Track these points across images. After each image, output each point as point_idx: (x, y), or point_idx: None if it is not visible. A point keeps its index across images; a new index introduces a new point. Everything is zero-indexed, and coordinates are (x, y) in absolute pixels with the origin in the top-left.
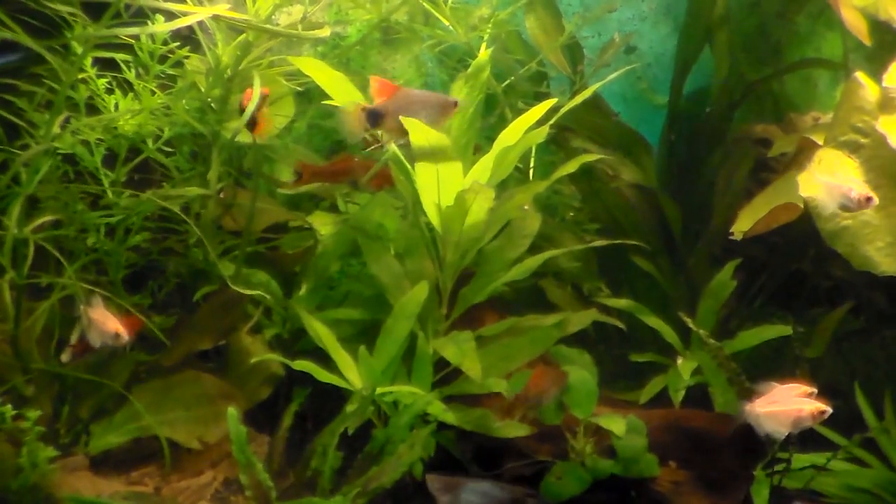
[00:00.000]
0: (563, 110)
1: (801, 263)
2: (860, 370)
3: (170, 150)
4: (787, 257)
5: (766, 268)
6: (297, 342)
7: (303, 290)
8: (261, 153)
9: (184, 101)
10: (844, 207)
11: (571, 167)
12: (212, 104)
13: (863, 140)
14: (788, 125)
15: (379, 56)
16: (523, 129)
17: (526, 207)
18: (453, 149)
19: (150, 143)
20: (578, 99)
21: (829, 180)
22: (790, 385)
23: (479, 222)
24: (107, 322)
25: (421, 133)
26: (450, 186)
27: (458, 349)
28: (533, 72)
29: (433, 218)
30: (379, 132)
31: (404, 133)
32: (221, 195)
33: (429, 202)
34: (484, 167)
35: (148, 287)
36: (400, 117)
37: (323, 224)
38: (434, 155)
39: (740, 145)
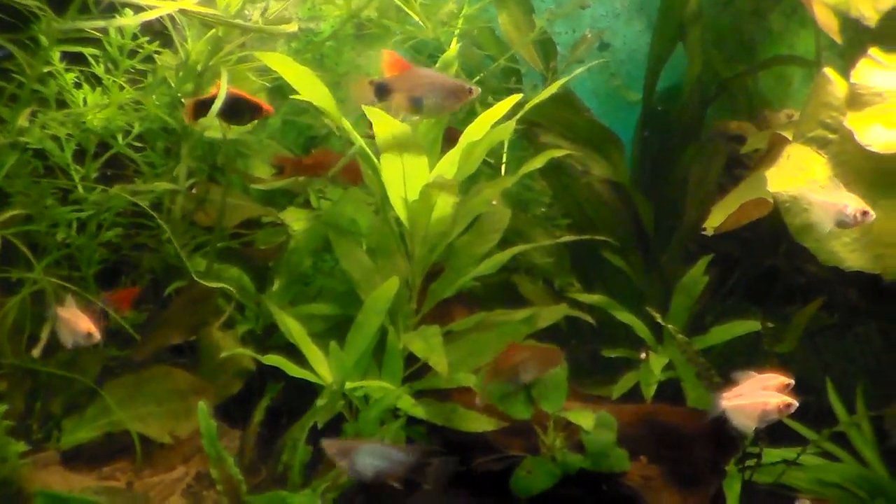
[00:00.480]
0: (529, 105)
1: (775, 260)
2: (835, 366)
3: (141, 145)
4: (760, 253)
5: (740, 264)
6: (270, 338)
7: (276, 286)
8: (234, 149)
9: (154, 96)
10: (842, 224)
11: (539, 162)
12: (182, 99)
13: (831, 136)
14: (762, 122)
15: (352, 52)
16: (489, 123)
17: (495, 202)
18: (419, 143)
19: (120, 138)
20: (545, 94)
21: (823, 199)
22: (767, 375)
23: (446, 217)
24: (78, 321)
25: (384, 125)
26: (416, 181)
27: (426, 343)
28: (504, 68)
29: (400, 212)
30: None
31: (412, 111)
32: (194, 191)
33: (395, 196)
34: (450, 162)
35: (121, 283)
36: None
37: (295, 220)
38: (399, 148)
39: (713, 142)
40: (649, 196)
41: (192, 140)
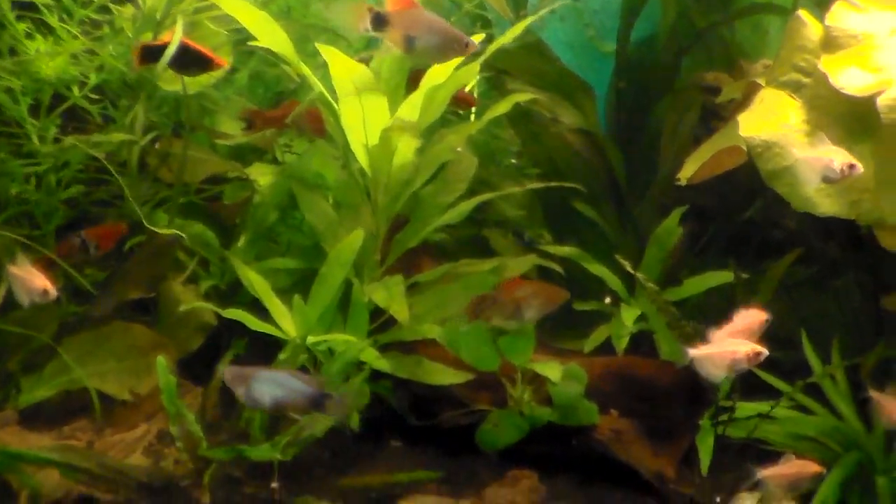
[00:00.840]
0: (493, 46)
1: (752, 213)
2: (813, 321)
3: (98, 97)
4: (738, 207)
5: (717, 218)
6: (236, 294)
7: (241, 242)
8: (199, 104)
9: (111, 46)
10: (828, 179)
11: (504, 107)
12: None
13: (805, 79)
14: (739, 72)
15: (320, 4)
16: (453, 65)
17: (460, 150)
18: (377, 84)
19: (76, 90)
20: (510, 35)
21: (807, 155)
22: (744, 313)
23: (407, 163)
24: (33, 279)
25: (342, 67)
26: (376, 125)
27: (388, 293)
28: (473, 15)
29: (361, 159)
30: None
31: (405, 49)
32: (157, 146)
33: (356, 143)
34: (412, 105)
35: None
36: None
37: (261, 174)
38: (358, 91)
39: (688, 92)
40: (625, 148)
41: (149, 89)
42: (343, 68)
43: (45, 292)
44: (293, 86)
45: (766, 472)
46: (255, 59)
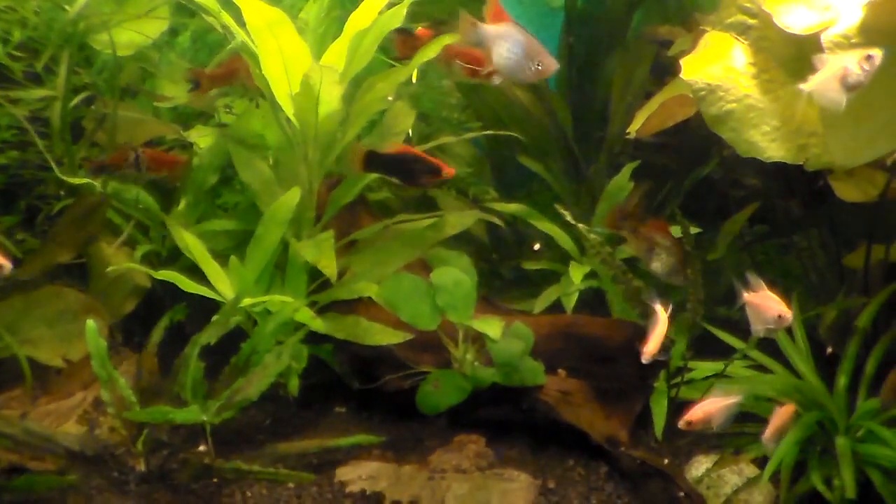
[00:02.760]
0: None
1: (711, 170)
2: (777, 282)
3: (21, 55)
4: (696, 164)
5: (675, 176)
6: (177, 260)
7: (181, 205)
8: (140, 68)
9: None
10: (854, 85)
11: (433, 50)
12: (65, 6)
13: (750, 21)
14: (693, 26)
15: None
16: (376, 10)
17: (391, 99)
18: (300, 35)
19: None
20: None
21: (825, 70)
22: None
23: (334, 112)
24: None
25: (256, 11)
26: (298, 72)
27: (317, 249)
28: None
29: (287, 109)
30: None
31: (490, 63)
32: (93, 107)
33: (280, 92)
34: (337, 53)
35: (17, 206)
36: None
37: (201, 136)
38: (274, 35)
39: (639, 46)
40: (576, 104)
41: (73, 45)
42: (258, 14)
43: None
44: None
45: (688, 417)
46: (195, 23)
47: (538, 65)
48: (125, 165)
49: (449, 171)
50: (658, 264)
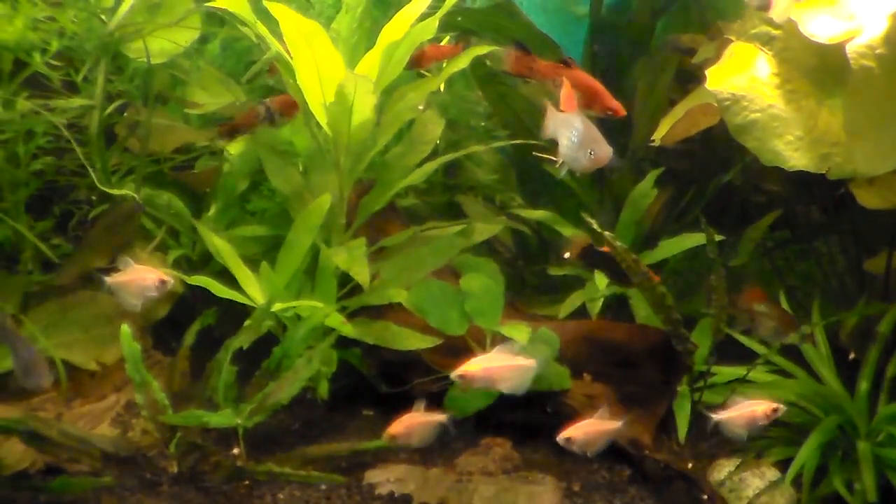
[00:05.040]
0: (449, 3)
1: (733, 176)
2: (798, 287)
3: (58, 63)
4: (717, 172)
5: (696, 183)
6: (207, 264)
7: (212, 211)
8: (170, 75)
9: (72, 12)
10: (754, 429)
11: (463, 61)
12: (102, 17)
13: (774, 32)
14: (716, 34)
15: None
16: (409, 21)
17: (423, 110)
18: (330, 41)
19: (37, 56)
20: None
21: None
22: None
23: (367, 121)
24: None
25: (293, 23)
26: (332, 82)
27: (349, 256)
28: None
29: (321, 118)
30: None
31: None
32: (125, 114)
33: (314, 101)
34: (370, 63)
35: (52, 212)
36: None
37: (231, 143)
38: (310, 46)
39: (662, 54)
40: None
41: (109, 54)
42: (294, 26)
43: (163, 283)
44: (265, 56)
45: (720, 416)
46: (225, 31)
47: (592, 153)
48: (259, 122)
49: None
50: (764, 330)
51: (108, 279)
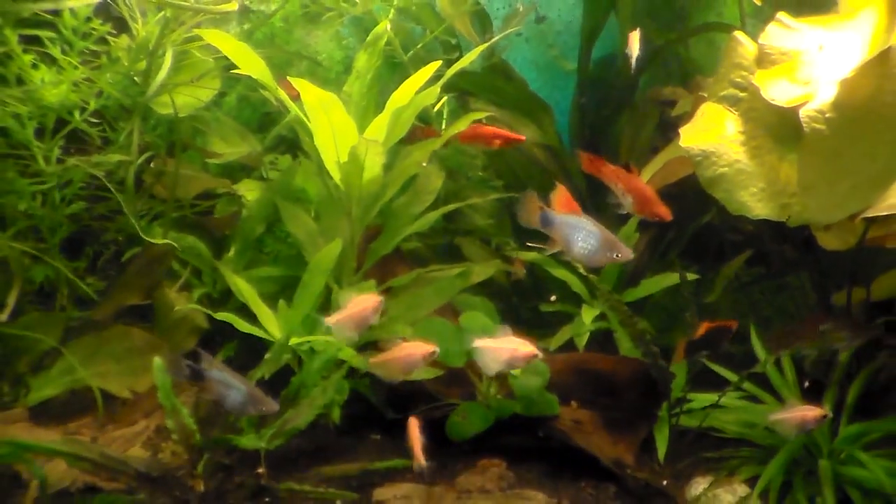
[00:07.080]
0: (451, 71)
1: (710, 217)
2: (772, 320)
3: (96, 121)
4: (697, 213)
5: (676, 224)
6: (227, 301)
7: (231, 252)
8: (191, 126)
9: (108, 74)
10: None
11: (463, 124)
12: (135, 77)
13: (741, 94)
14: (694, 87)
15: (302, 31)
16: (414, 89)
17: (425, 164)
18: (344, 107)
19: (76, 114)
20: (468, 58)
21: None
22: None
23: (376, 177)
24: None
25: (310, 92)
26: (345, 143)
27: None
28: (445, 42)
29: (335, 174)
30: None
31: (566, 246)
32: (152, 164)
33: (329, 160)
34: (378, 126)
35: (85, 252)
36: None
37: (248, 190)
38: (326, 113)
39: (645, 107)
40: None
41: (141, 113)
42: (314, 96)
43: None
44: (277, 107)
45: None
46: (242, 84)
47: (616, 255)
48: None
49: None
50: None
51: (373, 360)
